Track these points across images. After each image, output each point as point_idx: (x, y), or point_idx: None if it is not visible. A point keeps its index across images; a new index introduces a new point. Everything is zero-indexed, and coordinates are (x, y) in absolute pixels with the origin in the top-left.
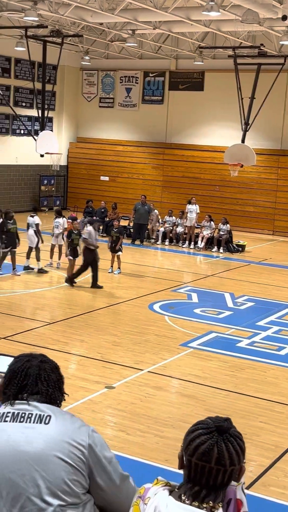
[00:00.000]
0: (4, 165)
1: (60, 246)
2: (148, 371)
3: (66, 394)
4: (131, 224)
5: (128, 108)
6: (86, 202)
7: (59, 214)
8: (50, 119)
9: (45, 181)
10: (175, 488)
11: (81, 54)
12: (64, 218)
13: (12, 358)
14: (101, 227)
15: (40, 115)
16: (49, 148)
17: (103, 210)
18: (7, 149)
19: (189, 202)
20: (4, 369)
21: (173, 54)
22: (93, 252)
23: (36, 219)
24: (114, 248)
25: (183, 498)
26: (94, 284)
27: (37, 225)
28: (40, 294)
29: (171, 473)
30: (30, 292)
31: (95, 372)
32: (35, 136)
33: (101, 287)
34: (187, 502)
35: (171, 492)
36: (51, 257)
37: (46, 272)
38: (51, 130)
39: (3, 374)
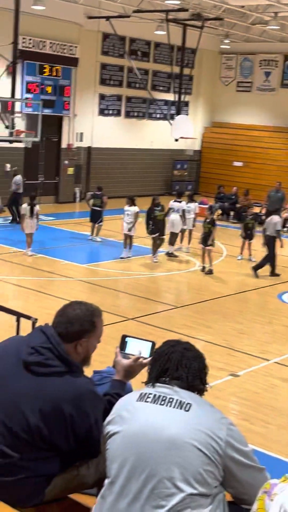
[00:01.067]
0: (139, 148)
1: (190, 231)
2: (275, 362)
3: (208, 384)
4: (263, 211)
5: (266, 93)
6: (217, 188)
7: (190, 199)
8: (186, 103)
9: (178, 166)
10: None
11: (221, 37)
12: (195, 203)
13: (137, 340)
14: (231, 213)
15: (176, 99)
16: (184, 132)
17: (233, 196)
18: (143, 133)
19: None
20: (133, 351)
21: None
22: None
23: (183, 205)
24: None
25: None
26: (273, 272)
27: (183, 210)
28: (169, 278)
29: None
30: (159, 275)
31: (219, 359)
32: (170, 121)
33: (278, 275)
34: None
35: None
36: (181, 242)
37: (175, 256)
38: (187, 115)
39: (131, 356)
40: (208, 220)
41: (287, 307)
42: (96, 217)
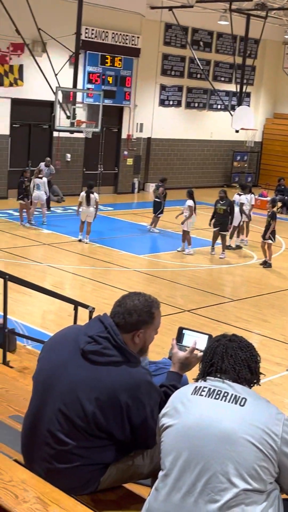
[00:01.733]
0: (199, 140)
1: (247, 224)
2: None
3: (263, 374)
4: None
5: None
6: (278, 180)
7: (248, 191)
8: (248, 94)
9: (238, 157)
10: None
11: (285, 27)
12: (252, 195)
13: (194, 332)
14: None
15: (238, 90)
16: (245, 123)
17: None
18: (203, 124)
19: None
20: (189, 343)
21: None
22: None
23: (243, 198)
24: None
25: None
26: None
27: (241, 204)
28: (226, 271)
29: None
30: (216, 267)
31: (276, 353)
32: (231, 111)
33: None
34: None
35: None
36: (238, 235)
37: (233, 248)
38: (248, 106)
39: (187, 348)
40: (269, 213)
41: None
42: (156, 208)
